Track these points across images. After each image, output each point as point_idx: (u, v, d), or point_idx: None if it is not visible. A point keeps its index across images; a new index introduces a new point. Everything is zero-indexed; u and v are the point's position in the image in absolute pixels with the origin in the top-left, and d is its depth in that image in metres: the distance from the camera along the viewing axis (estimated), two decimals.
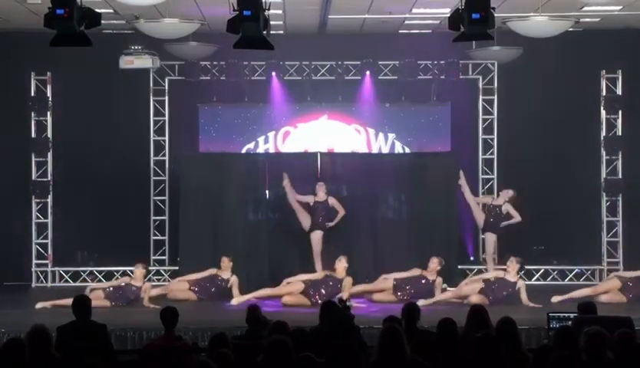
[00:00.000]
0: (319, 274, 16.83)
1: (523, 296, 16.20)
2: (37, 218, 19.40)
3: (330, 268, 16.76)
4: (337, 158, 19.00)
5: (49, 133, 19.35)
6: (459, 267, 18.55)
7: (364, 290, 16.90)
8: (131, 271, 18.24)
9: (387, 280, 16.84)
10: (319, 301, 14.99)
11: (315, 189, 17.83)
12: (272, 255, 18.31)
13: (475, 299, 15.45)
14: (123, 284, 16.55)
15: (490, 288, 16.23)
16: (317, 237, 17.72)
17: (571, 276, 19.18)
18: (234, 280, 16.93)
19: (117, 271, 19.16)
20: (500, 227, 17.76)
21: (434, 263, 16.76)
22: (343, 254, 16.76)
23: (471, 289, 16.37)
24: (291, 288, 16.47)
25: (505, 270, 16.51)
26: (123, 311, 15.58)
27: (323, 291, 16.27)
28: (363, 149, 19.48)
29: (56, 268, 19.14)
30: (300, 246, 18.14)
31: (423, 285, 16.69)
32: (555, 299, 16.19)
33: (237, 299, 16.50)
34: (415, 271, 16.85)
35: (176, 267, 18.37)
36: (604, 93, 19.43)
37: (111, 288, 16.51)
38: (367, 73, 19.25)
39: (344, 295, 15.60)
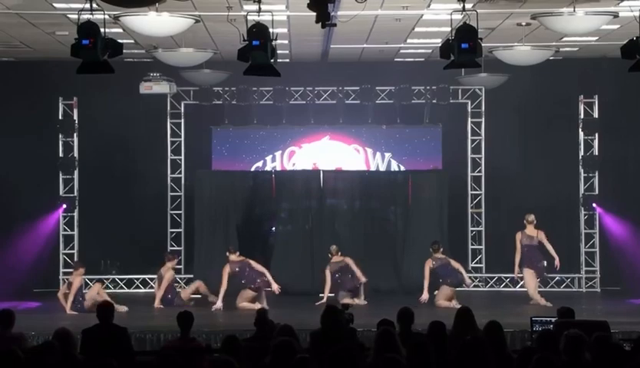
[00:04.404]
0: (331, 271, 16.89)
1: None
2: (65, 230, 19.41)
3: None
4: (338, 175, 19.01)
5: (75, 153, 19.37)
6: None
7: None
8: (150, 279, 18.32)
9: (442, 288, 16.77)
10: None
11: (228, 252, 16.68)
12: (280, 264, 18.26)
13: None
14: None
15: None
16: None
17: (552, 283, 19.16)
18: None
19: (137, 279, 19.20)
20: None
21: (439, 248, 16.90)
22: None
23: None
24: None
25: None
26: (142, 316, 15.56)
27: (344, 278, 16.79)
28: (362, 167, 19.49)
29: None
30: (304, 257, 18.15)
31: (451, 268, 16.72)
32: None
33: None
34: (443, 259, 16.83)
35: (191, 275, 18.35)
36: (582, 116, 19.43)
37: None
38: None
39: (360, 276, 16.58)
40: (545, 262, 16.90)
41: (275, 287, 16.33)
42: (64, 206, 19.20)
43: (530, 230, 16.90)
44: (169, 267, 17.07)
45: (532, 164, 19.18)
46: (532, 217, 16.96)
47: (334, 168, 19.21)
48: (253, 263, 16.51)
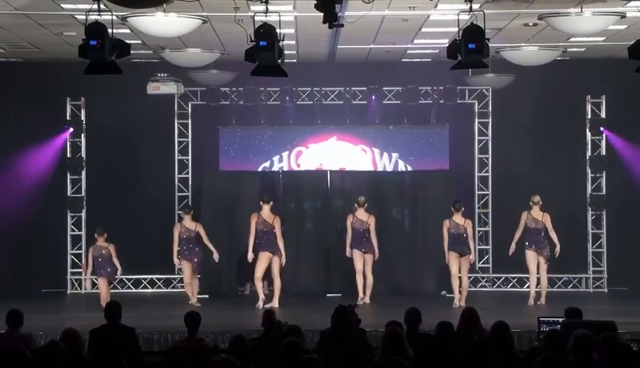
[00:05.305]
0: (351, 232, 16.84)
1: (373, 238, 16.76)
2: (72, 230, 19.44)
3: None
4: (345, 175, 19.00)
5: (83, 153, 19.41)
6: None
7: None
8: (158, 279, 18.32)
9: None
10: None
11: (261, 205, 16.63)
12: (287, 264, 18.25)
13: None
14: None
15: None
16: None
17: (559, 283, 19.14)
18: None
19: (145, 279, 19.22)
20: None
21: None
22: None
23: None
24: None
25: None
26: (149, 316, 15.56)
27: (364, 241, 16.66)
28: (369, 168, 19.48)
29: (89, 276, 19.14)
30: (311, 257, 18.14)
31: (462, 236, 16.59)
32: None
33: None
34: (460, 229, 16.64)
35: (198, 275, 18.32)
36: (589, 116, 19.41)
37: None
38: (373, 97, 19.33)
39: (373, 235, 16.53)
40: (549, 248, 16.76)
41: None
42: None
43: (536, 212, 16.70)
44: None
45: (539, 164, 19.16)
46: (537, 198, 16.73)
47: (338, 168, 19.21)
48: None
